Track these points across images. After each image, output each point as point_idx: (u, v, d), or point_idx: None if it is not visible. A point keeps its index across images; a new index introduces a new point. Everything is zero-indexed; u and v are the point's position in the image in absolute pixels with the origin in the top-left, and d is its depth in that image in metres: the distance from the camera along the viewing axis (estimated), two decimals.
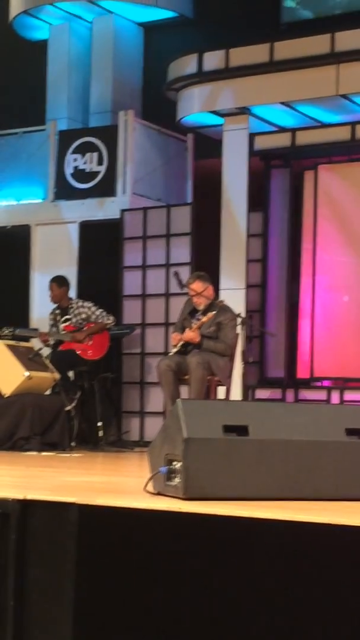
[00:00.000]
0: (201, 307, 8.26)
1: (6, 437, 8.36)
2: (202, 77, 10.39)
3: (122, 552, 3.72)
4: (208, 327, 8.07)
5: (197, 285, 8.21)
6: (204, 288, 8.25)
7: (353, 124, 10.23)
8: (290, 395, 10.31)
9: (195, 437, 3.85)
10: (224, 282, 10.19)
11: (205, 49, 10.42)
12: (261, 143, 10.60)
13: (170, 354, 8.29)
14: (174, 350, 8.18)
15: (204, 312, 8.21)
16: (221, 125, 10.54)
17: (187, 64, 10.50)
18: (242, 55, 10.18)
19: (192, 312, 8.35)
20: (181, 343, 8.11)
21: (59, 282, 9.76)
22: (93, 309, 9.57)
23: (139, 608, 3.70)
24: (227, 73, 10.24)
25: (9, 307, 11.55)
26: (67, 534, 3.72)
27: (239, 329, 8.22)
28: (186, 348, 8.16)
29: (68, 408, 8.73)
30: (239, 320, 8.18)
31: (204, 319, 8.00)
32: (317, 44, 9.73)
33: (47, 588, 3.80)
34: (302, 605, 3.51)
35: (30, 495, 3.86)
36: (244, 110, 10.33)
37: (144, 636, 3.70)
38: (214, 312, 8.03)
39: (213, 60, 10.33)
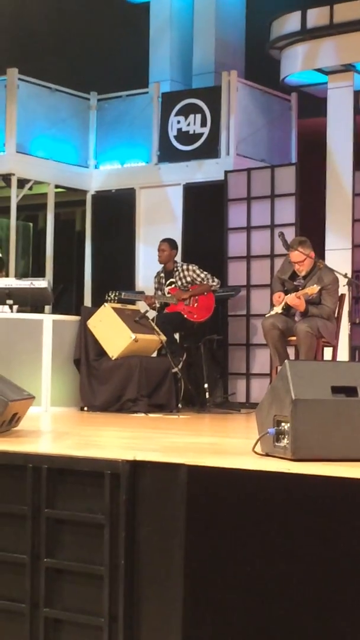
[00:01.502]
0: (302, 273, 8.15)
1: (114, 399, 8.46)
2: (305, 34, 10.26)
3: (231, 512, 3.74)
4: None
5: (300, 251, 8.07)
6: (306, 254, 8.11)
7: None
8: None
9: (304, 398, 3.85)
10: (329, 242, 10.09)
11: (308, 6, 10.27)
12: None
13: (273, 312, 8.17)
14: (277, 309, 8.08)
15: (305, 277, 8.10)
16: (325, 83, 10.40)
17: (290, 22, 10.38)
18: (346, 10, 10.01)
19: (294, 274, 8.21)
20: (283, 305, 8.02)
21: (171, 243, 9.78)
22: (198, 271, 9.58)
23: (247, 567, 3.72)
24: (331, 30, 10.09)
25: (114, 271, 11.65)
26: (176, 494, 3.75)
27: (345, 290, 8.13)
28: (289, 310, 8.08)
29: (174, 370, 8.78)
30: (345, 280, 8.08)
31: (308, 291, 7.84)
32: None
33: (157, 547, 3.84)
34: None
35: (140, 456, 3.90)
36: (348, 67, 10.17)
37: (252, 594, 3.72)
38: (318, 287, 7.85)
39: (316, 16, 10.18)
